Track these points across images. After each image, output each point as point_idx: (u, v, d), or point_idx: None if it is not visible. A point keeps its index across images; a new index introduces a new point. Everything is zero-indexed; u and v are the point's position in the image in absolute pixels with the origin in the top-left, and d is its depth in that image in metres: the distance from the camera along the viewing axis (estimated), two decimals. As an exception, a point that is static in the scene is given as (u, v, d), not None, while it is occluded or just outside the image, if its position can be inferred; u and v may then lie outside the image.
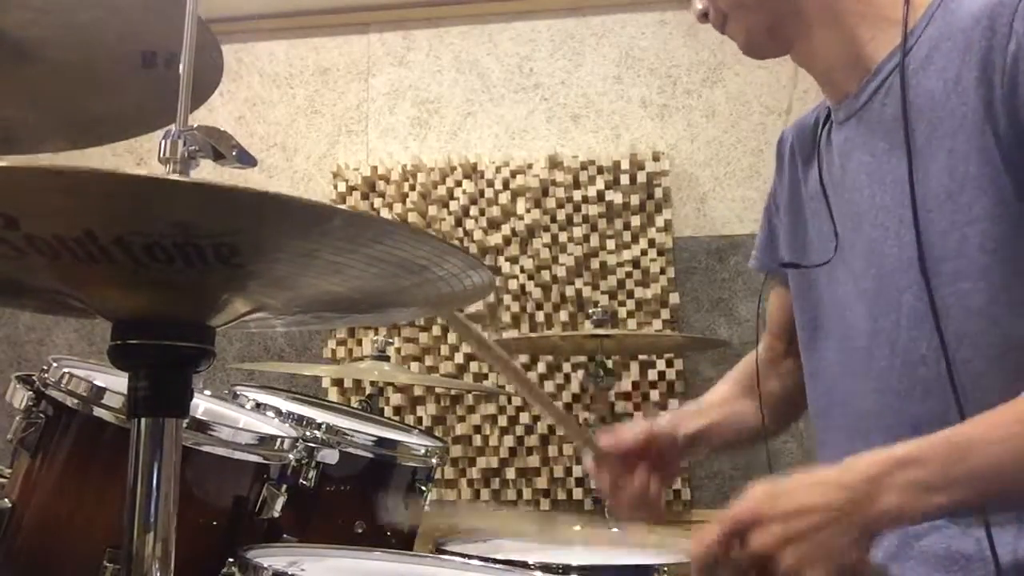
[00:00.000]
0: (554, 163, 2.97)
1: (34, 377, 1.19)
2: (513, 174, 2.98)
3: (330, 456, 1.39)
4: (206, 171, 0.84)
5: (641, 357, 2.84)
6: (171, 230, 0.53)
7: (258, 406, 1.50)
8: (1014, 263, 0.84)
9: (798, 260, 1.11)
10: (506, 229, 2.95)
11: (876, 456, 0.77)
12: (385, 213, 3.01)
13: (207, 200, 0.53)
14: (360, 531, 1.44)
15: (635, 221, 2.92)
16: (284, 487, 1.24)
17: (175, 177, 0.48)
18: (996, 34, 0.84)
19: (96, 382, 1.12)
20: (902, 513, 0.74)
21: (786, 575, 0.72)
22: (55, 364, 1.17)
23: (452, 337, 2.91)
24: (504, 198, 2.96)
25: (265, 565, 1.01)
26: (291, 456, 1.28)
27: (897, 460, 0.76)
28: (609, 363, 2.78)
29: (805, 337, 1.11)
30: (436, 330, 2.94)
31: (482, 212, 2.98)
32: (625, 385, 2.83)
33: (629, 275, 2.90)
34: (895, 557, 0.92)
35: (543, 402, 1.21)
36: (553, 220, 2.95)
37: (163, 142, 0.79)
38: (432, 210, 3.00)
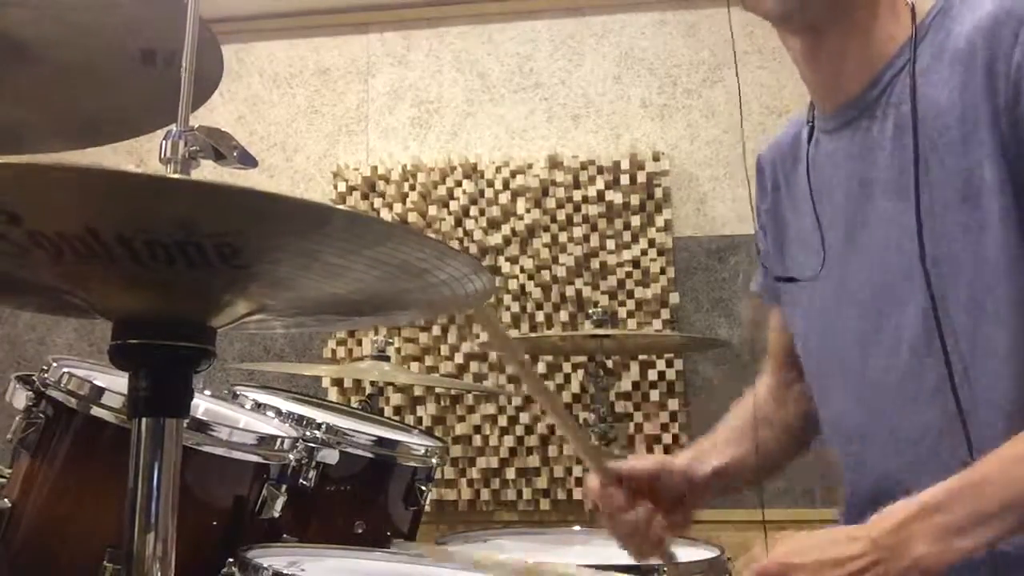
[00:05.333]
0: (554, 163, 2.97)
1: (34, 377, 1.19)
2: (513, 174, 2.97)
3: (330, 456, 1.39)
4: (206, 171, 0.84)
5: (641, 357, 2.84)
6: (174, 229, 0.53)
7: (258, 406, 1.50)
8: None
9: (789, 289, 1.11)
10: (506, 229, 2.94)
11: (901, 507, 0.79)
12: (385, 213, 3.01)
13: (210, 199, 0.53)
14: (360, 531, 1.45)
15: (635, 221, 2.92)
16: (284, 487, 1.24)
17: (178, 176, 0.48)
18: (1002, 43, 0.84)
19: (96, 382, 1.13)
20: (931, 561, 0.75)
21: None
22: (55, 364, 1.17)
23: (452, 337, 2.91)
24: (504, 198, 2.96)
25: (265, 565, 1.02)
26: (291, 456, 1.28)
27: (922, 509, 0.77)
28: (609, 363, 2.78)
29: (801, 348, 1.11)
30: (436, 330, 2.93)
31: (482, 212, 2.98)
32: (625, 385, 2.83)
33: (629, 275, 2.90)
34: None
35: (559, 413, 1.17)
36: (553, 220, 2.94)
37: (164, 142, 0.79)
38: (432, 210, 3.00)
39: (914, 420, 0.91)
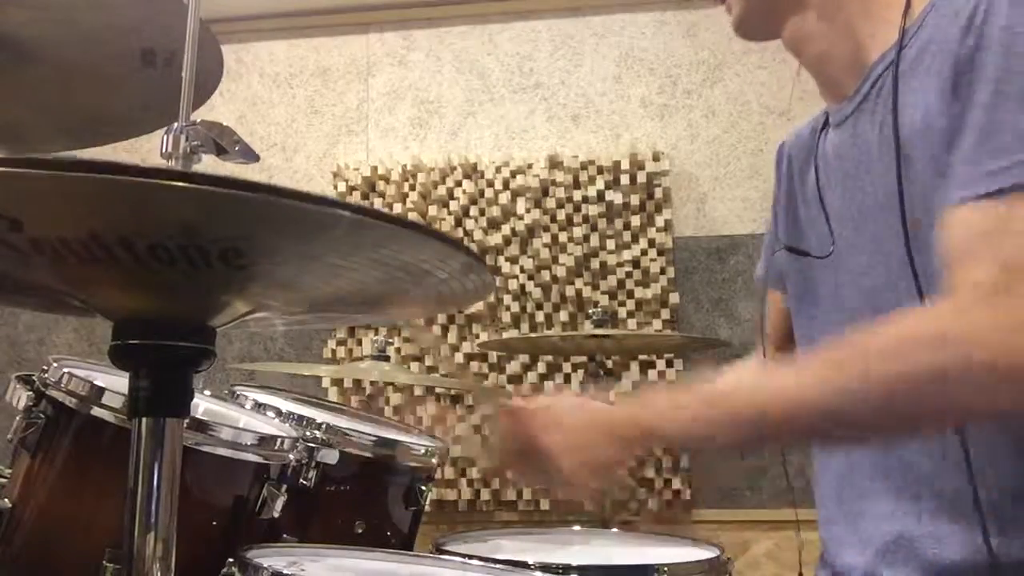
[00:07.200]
0: (554, 163, 2.97)
1: (34, 377, 1.18)
2: (513, 174, 2.97)
3: (330, 456, 1.39)
4: (207, 168, 0.83)
5: (641, 357, 2.84)
6: (176, 232, 0.53)
7: (258, 406, 1.50)
8: None
9: (796, 265, 1.12)
10: (506, 229, 2.94)
11: (656, 391, 0.90)
12: (385, 213, 3.00)
13: (215, 204, 0.53)
14: (360, 531, 1.44)
15: (635, 221, 2.92)
16: (284, 487, 1.24)
17: (183, 183, 0.48)
18: (964, 32, 0.84)
19: (96, 382, 1.12)
20: (665, 430, 0.83)
21: (545, 459, 0.84)
22: (55, 364, 1.17)
23: (452, 337, 2.91)
24: (504, 198, 2.96)
25: (265, 565, 1.01)
26: (291, 456, 1.28)
27: (676, 390, 0.87)
28: (609, 363, 2.78)
29: (802, 338, 1.11)
30: (436, 330, 2.93)
31: (482, 212, 2.98)
32: (625, 385, 2.83)
33: (629, 275, 2.90)
34: (888, 562, 0.91)
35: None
36: (553, 220, 2.94)
37: (165, 137, 0.79)
38: (432, 210, 3.00)
39: None
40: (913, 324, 0.79)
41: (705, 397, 0.85)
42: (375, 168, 3.06)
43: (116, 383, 1.08)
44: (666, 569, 1.29)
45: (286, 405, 1.53)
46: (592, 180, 2.94)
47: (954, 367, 0.73)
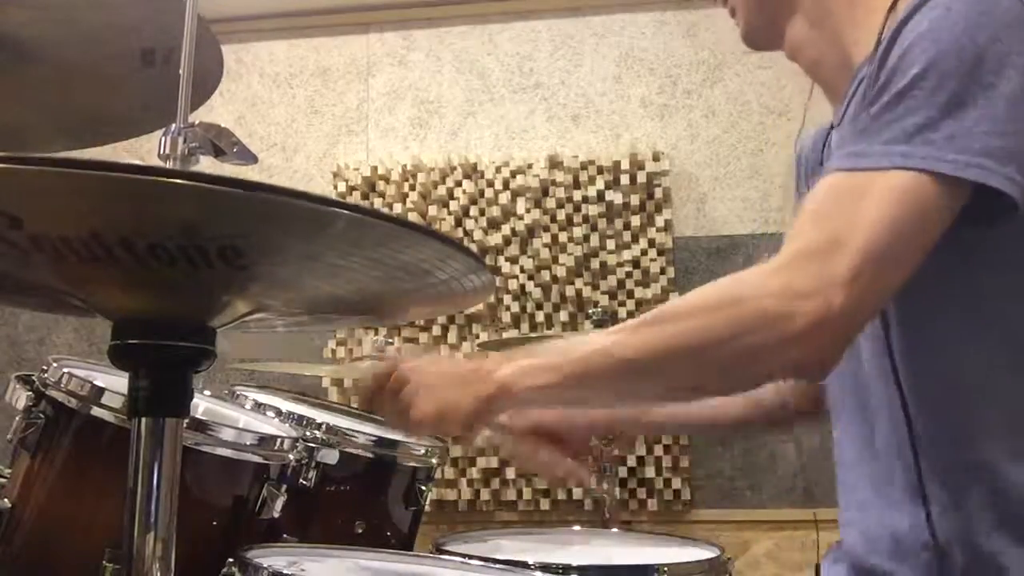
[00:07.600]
0: (554, 163, 2.97)
1: (34, 377, 1.19)
2: (513, 174, 2.97)
3: (330, 456, 1.39)
4: (205, 169, 0.83)
5: (641, 357, 2.83)
6: (176, 232, 0.53)
7: (258, 406, 1.50)
8: (948, 278, 0.85)
9: None
10: (506, 229, 2.94)
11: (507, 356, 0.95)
12: (385, 213, 3.00)
13: (214, 202, 0.53)
14: (360, 531, 1.44)
15: (635, 221, 2.92)
16: (284, 487, 1.24)
17: (183, 180, 0.48)
18: (895, 28, 0.85)
19: (96, 382, 1.12)
20: (512, 385, 0.89)
21: (404, 400, 0.92)
22: (55, 364, 1.17)
23: (452, 337, 2.91)
24: (504, 198, 2.96)
25: (265, 565, 1.01)
26: (291, 456, 1.28)
27: (518, 352, 0.94)
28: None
29: None
30: (436, 330, 2.93)
31: (482, 212, 2.98)
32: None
33: (629, 275, 2.90)
34: (873, 549, 0.92)
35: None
36: (553, 220, 2.94)
37: (163, 138, 0.79)
38: (432, 210, 3.00)
39: (871, 401, 0.94)
40: (723, 283, 0.89)
41: (539, 351, 0.94)
42: (375, 168, 3.06)
43: (116, 383, 1.09)
44: (666, 569, 1.29)
45: (286, 405, 1.53)
46: (592, 180, 2.94)
47: (740, 326, 0.82)
